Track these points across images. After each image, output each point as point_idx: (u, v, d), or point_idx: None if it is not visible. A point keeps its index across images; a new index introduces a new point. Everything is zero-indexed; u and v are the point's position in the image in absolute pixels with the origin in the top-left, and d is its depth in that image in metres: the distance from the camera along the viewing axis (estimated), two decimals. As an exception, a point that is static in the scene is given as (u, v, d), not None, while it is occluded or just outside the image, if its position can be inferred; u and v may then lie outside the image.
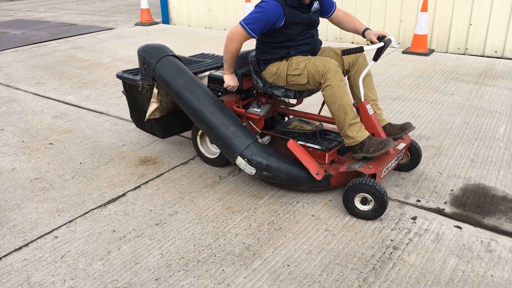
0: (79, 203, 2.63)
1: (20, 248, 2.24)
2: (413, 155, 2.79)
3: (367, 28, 2.67)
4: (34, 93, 4.80)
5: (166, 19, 9.15)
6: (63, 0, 15.00)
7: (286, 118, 3.27)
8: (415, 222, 2.34)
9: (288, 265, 2.05)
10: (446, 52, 6.07)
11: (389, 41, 2.51)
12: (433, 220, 2.36)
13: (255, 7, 2.52)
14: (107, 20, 9.85)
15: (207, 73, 3.14)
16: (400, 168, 2.85)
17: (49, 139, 3.57)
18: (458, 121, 3.67)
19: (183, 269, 2.05)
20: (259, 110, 2.85)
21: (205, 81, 3.12)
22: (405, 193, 2.63)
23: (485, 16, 5.68)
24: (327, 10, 2.75)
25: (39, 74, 5.58)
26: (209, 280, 1.98)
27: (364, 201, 2.35)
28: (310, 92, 2.75)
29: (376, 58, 2.51)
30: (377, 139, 2.41)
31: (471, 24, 5.81)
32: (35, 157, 3.26)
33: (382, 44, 2.46)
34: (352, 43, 6.84)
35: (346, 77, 2.68)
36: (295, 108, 3.26)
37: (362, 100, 2.53)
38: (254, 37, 2.55)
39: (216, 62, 3.31)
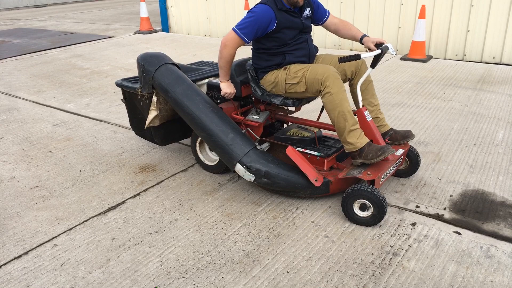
0: (78, 211, 2.63)
1: (19, 256, 2.24)
2: (412, 161, 2.81)
3: (365, 35, 2.70)
4: (34, 102, 4.82)
5: (165, 27, 9.20)
6: (64, 9, 15.10)
7: (285, 125, 3.29)
8: (414, 228, 2.35)
9: (287, 272, 2.05)
10: (444, 59, 6.11)
11: (386, 48, 2.54)
12: (432, 226, 2.36)
13: (247, 13, 2.57)
14: (107, 29, 9.91)
15: (206, 80, 3.16)
16: (399, 174, 2.86)
17: (49, 147, 3.58)
18: (456, 127, 3.68)
19: (182, 277, 2.05)
20: (258, 117, 2.86)
21: (204, 89, 3.14)
22: (404, 199, 2.63)
23: (483, 22, 5.72)
24: (319, 17, 2.79)
25: (39, 82, 5.60)
26: (209, 287, 1.97)
27: (363, 207, 2.36)
28: (308, 100, 2.76)
29: (373, 65, 2.54)
30: (376, 145, 2.43)
31: (468, 31, 5.85)
32: (35, 165, 3.26)
33: (379, 51, 2.49)
34: (351, 50, 6.88)
35: (348, 85, 2.72)
36: (294, 114, 3.28)
37: (360, 106, 2.55)
38: (248, 42, 2.58)
39: (215, 70, 3.33)
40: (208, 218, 2.52)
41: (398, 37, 6.41)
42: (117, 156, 3.37)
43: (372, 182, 2.41)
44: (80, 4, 17.02)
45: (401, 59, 6.06)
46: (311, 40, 2.74)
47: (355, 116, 2.52)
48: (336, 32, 2.84)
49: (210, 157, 3.07)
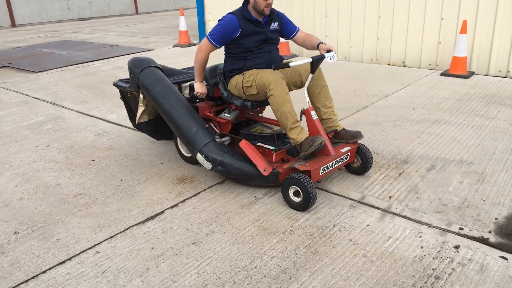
0: (119, 219, 2.70)
1: (63, 262, 2.32)
2: (362, 159, 3.05)
3: (321, 42, 3.06)
4: (78, 111, 5.02)
5: (203, 41, 9.39)
6: (106, 22, 15.74)
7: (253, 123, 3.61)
8: (458, 251, 2.26)
9: (325, 291, 2.02)
10: (487, 75, 5.91)
11: (321, 56, 2.84)
12: (477, 250, 2.27)
13: (218, 21, 2.99)
14: (147, 42, 10.23)
15: (189, 83, 3.56)
16: (353, 171, 3.14)
17: (92, 156, 3.72)
18: (501, 146, 3.54)
19: (219, 290, 2.06)
20: (228, 115, 3.27)
21: (188, 90, 3.55)
22: (447, 220, 2.55)
23: (529, 38, 5.51)
24: (288, 32, 3.19)
25: (83, 93, 5.84)
26: (246, 302, 1.97)
27: (296, 194, 2.70)
28: (264, 103, 3.09)
29: (312, 71, 2.87)
30: (310, 137, 2.77)
31: (513, 46, 5.65)
32: (79, 173, 3.39)
33: (310, 59, 2.81)
34: (388, 64, 6.79)
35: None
36: (262, 114, 3.53)
37: (307, 107, 2.89)
38: (217, 47, 3.01)
39: None
40: (244, 231, 2.53)
41: (438, 52, 6.27)
42: (156, 166, 3.46)
43: (309, 173, 2.70)
44: (122, 18, 17.72)
45: (441, 74, 5.92)
46: (276, 51, 3.11)
47: (303, 115, 2.90)
48: (303, 44, 3.22)
49: (187, 149, 3.33)
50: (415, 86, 5.43)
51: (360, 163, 3.07)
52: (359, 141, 3.22)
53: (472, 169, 3.17)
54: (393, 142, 3.74)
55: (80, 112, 4.99)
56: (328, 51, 2.94)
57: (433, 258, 2.22)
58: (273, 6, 2.99)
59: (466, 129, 3.95)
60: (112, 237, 2.52)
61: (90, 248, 2.43)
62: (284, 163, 2.98)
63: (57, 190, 3.13)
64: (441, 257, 2.22)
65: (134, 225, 2.64)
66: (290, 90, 3.03)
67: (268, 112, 3.55)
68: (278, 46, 3.14)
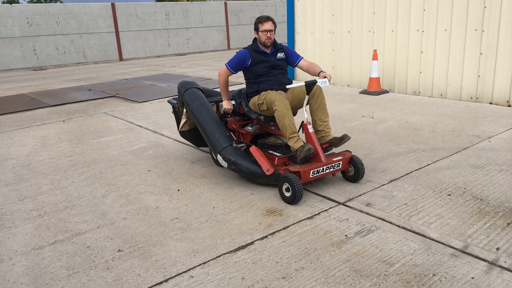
0: (212, 246, 2.80)
1: (160, 283, 2.45)
2: (355, 168, 3.58)
3: (321, 71, 3.75)
4: (175, 139, 5.39)
5: (291, 74, 9.62)
6: (200, 57, 16.88)
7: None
8: None
9: None
10: None
11: (314, 81, 3.55)
12: None
13: (235, 53, 3.86)
14: (239, 75, 10.72)
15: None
16: (348, 179, 3.68)
17: (187, 182, 3.94)
18: None
19: (310, 330, 2.01)
20: (250, 128, 4.06)
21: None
22: None
23: None
24: (292, 61, 3.98)
25: (180, 122, 6.26)
26: None
27: (287, 189, 3.31)
28: (274, 117, 3.66)
29: (307, 92, 3.60)
30: (302, 145, 3.39)
31: None
32: (176, 198, 3.60)
33: (302, 83, 3.57)
34: (490, 103, 6.33)
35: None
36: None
37: (305, 121, 3.54)
38: (233, 72, 3.87)
39: None
40: (335, 271, 2.46)
41: (478, 84, 6.13)
42: (247, 196, 3.55)
43: (299, 174, 3.31)
44: (215, 53, 18.89)
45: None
46: (284, 75, 3.90)
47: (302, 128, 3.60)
48: (307, 71, 3.95)
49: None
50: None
51: (353, 172, 3.61)
52: (352, 153, 3.65)
53: None
54: (499, 188, 3.43)
55: (177, 141, 5.34)
56: (324, 76, 3.63)
57: (555, 325, 1.95)
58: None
59: None
60: (205, 263, 2.62)
61: (185, 272, 2.53)
62: (286, 166, 3.54)
63: (156, 212, 3.35)
64: None
65: (226, 253, 2.71)
66: (297, 108, 3.85)
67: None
68: (285, 72, 3.90)
